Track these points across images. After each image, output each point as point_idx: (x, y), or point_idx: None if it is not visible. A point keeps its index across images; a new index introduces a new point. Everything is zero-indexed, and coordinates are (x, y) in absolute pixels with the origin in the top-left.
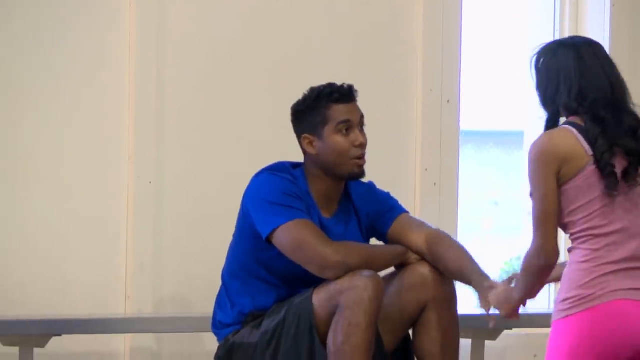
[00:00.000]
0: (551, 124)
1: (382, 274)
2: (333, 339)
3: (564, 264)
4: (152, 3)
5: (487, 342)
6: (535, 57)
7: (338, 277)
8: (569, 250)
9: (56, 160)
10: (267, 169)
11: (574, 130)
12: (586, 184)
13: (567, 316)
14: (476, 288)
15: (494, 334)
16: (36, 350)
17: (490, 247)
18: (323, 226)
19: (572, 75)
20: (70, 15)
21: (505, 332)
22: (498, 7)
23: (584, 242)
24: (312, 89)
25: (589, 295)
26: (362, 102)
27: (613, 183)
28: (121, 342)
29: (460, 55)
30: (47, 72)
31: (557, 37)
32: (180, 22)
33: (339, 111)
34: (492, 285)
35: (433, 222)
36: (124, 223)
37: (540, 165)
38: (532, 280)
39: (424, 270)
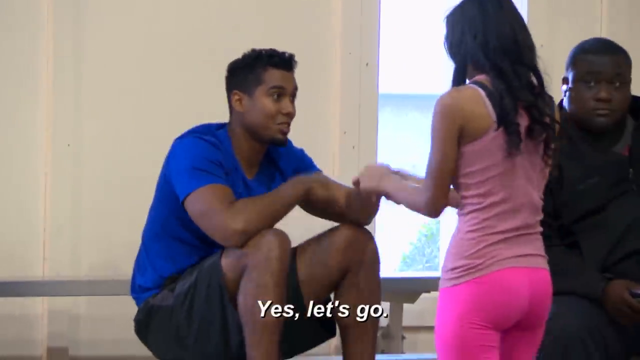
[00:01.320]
0: (458, 74)
1: (311, 233)
2: (243, 301)
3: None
4: None
5: (405, 305)
6: (445, 18)
7: (240, 246)
8: (458, 215)
9: None
10: (191, 131)
11: (481, 91)
12: (485, 149)
13: (454, 285)
14: None
15: (412, 297)
16: None
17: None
18: (247, 187)
19: (476, 23)
20: None
21: (424, 295)
22: None
23: (474, 210)
24: (253, 50)
25: (478, 264)
26: None
27: (516, 142)
28: (39, 304)
29: (379, 18)
30: None
31: None
32: None
33: (275, 76)
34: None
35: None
36: (42, 185)
37: (443, 119)
38: (406, 205)
39: (348, 232)
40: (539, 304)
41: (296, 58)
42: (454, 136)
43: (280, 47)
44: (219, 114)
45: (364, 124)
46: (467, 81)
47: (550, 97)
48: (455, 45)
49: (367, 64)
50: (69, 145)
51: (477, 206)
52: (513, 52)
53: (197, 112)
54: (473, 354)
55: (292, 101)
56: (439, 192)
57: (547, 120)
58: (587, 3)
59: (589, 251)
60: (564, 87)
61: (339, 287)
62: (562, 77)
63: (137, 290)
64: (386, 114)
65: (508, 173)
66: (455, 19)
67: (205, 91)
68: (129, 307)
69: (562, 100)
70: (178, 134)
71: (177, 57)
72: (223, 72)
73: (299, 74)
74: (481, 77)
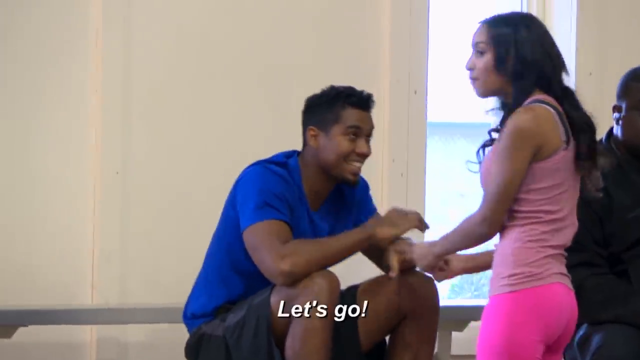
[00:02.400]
0: (524, 91)
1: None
2: (291, 344)
3: (490, 253)
4: None
5: (453, 334)
6: (500, 27)
7: (289, 285)
8: (506, 227)
9: (22, 151)
10: (263, 160)
11: (552, 111)
12: (554, 167)
13: (513, 291)
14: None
15: (460, 325)
16: (2, 340)
17: None
18: (311, 220)
19: (549, 43)
20: (35, 6)
21: (472, 323)
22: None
23: (533, 223)
24: (332, 87)
25: (537, 273)
26: None
27: (585, 156)
28: (87, 332)
29: (428, 46)
30: (11, 62)
31: None
32: (148, 11)
33: (353, 115)
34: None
35: None
36: (90, 214)
37: (520, 141)
38: (462, 242)
39: (412, 278)
40: (571, 326)
41: (345, 84)
42: (527, 158)
43: (330, 75)
44: (271, 138)
45: (412, 151)
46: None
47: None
48: (534, 61)
49: (415, 92)
50: (117, 172)
51: (538, 219)
52: (561, 71)
53: (248, 138)
54: None
55: (368, 141)
56: (500, 209)
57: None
58: (637, 30)
59: (638, 279)
60: (616, 114)
61: (394, 332)
62: (612, 105)
63: (189, 316)
64: (434, 142)
65: (570, 191)
66: (530, 34)
67: (256, 116)
68: (177, 335)
69: (611, 128)
70: (226, 161)
71: (227, 83)
72: (273, 98)
73: None
74: (543, 97)
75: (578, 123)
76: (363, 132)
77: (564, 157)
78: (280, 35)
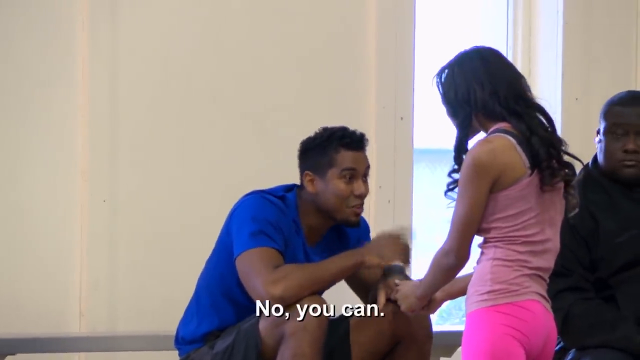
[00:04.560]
0: (465, 125)
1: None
2: None
3: (467, 277)
4: (105, 20)
5: (442, 359)
6: (437, 76)
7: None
8: (484, 249)
9: (9, 180)
10: (260, 190)
11: (511, 139)
12: (520, 195)
13: (492, 305)
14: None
15: (449, 351)
16: None
17: None
18: (306, 254)
19: (479, 73)
20: (22, 32)
21: (460, 348)
22: (451, 25)
23: (509, 244)
24: (325, 129)
25: (515, 290)
26: (315, 119)
27: (549, 178)
28: None
29: (414, 72)
30: None
31: (510, 56)
32: (133, 39)
33: (347, 157)
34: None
35: None
36: (77, 241)
37: (476, 175)
38: (438, 278)
39: None
40: (550, 347)
41: (330, 112)
42: (486, 190)
43: (315, 100)
44: (258, 169)
45: (399, 178)
46: (485, 131)
47: (560, 138)
48: (462, 97)
49: (402, 118)
50: (104, 201)
51: (513, 241)
52: (521, 96)
53: (235, 168)
54: None
55: (365, 181)
56: (465, 241)
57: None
58: (622, 55)
59: (625, 304)
60: (597, 138)
61: (389, 358)
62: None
63: (179, 341)
64: (421, 169)
65: (541, 214)
66: (455, 73)
67: (242, 144)
68: None
69: (596, 153)
70: (214, 190)
71: (214, 111)
72: (259, 126)
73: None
74: (502, 125)
75: (535, 148)
76: (359, 173)
77: (528, 183)
78: (266, 64)
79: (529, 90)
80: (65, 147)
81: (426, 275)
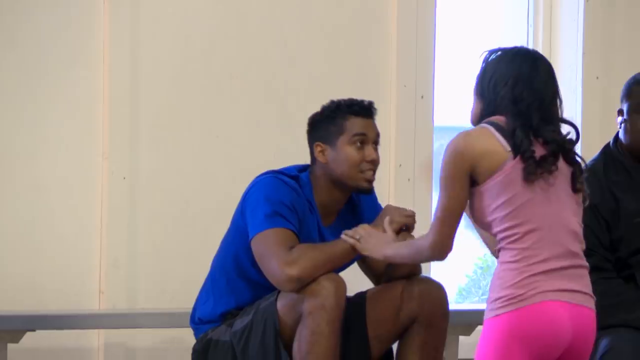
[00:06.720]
0: (482, 113)
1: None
2: (297, 348)
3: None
4: (126, 0)
5: (460, 338)
6: (488, 52)
7: (295, 291)
8: (498, 250)
9: (29, 158)
10: (274, 171)
11: (491, 128)
12: (507, 180)
13: (497, 315)
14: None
15: (467, 330)
16: (10, 345)
17: (464, 243)
18: (321, 234)
19: (523, 78)
20: (43, 13)
21: (479, 327)
22: (472, 3)
23: (511, 242)
24: (332, 101)
25: (519, 295)
26: (335, 98)
27: (532, 167)
28: (95, 337)
29: (434, 50)
30: (20, 70)
31: (531, 34)
32: (154, 19)
33: (356, 124)
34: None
35: None
36: (97, 219)
37: (452, 165)
38: (411, 258)
39: (422, 285)
40: (581, 342)
41: (352, 91)
42: (463, 178)
43: (337, 80)
44: (279, 145)
45: (419, 156)
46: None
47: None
48: (492, 87)
49: (422, 97)
50: (124, 178)
51: (513, 237)
52: (541, 110)
53: (256, 145)
54: None
55: (376, 148)
56: (446, 234)
57: (570, 150)
58: None
59: None
60: (619, 118)
61: (403, 337)
62: (617, 109)
63: (196, 321)
64: (441, 147)
65: (537, 200)
66: (502, 59)
67: (263, 124)
68: (185, 340)
69: (617, 133)
70: (234, 168)
71: (235, 91)
72: (280, 105)
73: None
74: (494, 118)
75: (519, 139)
76: (369, 139)
77: (513, 167)
78: (288, 43)
79: (557, 115)
80: (86, 126)
81: (402, 248)
